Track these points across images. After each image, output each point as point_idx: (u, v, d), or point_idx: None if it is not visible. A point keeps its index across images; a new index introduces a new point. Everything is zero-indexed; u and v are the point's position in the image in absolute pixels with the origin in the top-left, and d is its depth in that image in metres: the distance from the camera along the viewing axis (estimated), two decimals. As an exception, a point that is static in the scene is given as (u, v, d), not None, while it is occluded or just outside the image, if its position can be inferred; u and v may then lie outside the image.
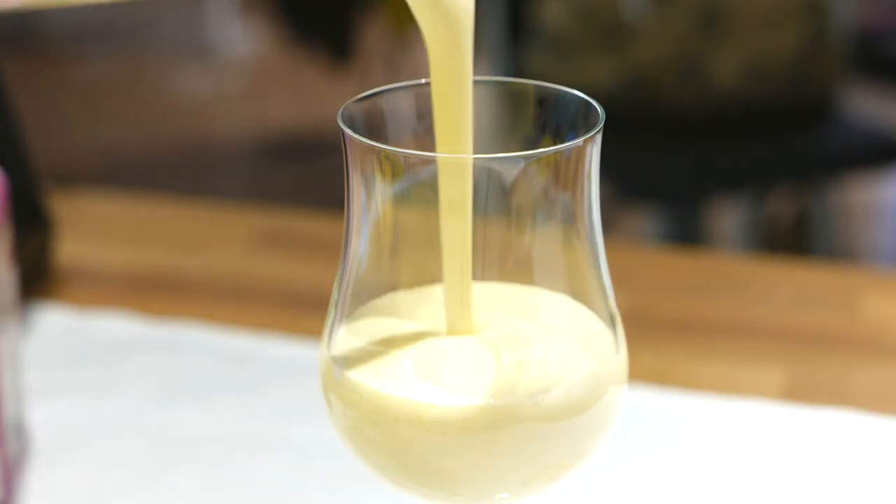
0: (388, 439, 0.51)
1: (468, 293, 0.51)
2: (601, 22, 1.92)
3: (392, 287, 0.53)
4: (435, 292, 0.52)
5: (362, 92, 0.53)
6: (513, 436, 0.50)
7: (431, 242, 0.52)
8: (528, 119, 0.54)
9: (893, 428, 0.74)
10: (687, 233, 1.94)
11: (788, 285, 0.91)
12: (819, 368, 0.81)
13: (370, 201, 0.51)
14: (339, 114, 0.51)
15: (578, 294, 0.52)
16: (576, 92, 0.53)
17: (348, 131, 0.51)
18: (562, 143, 0.50)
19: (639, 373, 0.77)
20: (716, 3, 1.90)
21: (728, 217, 2.25)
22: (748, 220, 2.14)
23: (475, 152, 0.53)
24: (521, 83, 0.54)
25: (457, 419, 0.49)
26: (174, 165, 2.90)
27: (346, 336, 0.52)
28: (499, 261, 0.51)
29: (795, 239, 2.25)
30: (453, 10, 0.49)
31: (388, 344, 0.52)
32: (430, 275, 0.53)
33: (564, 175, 0.51)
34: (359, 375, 0.51)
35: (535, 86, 0.54)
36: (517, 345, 0.51)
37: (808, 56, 1.93)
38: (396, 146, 0.51)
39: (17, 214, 0.77)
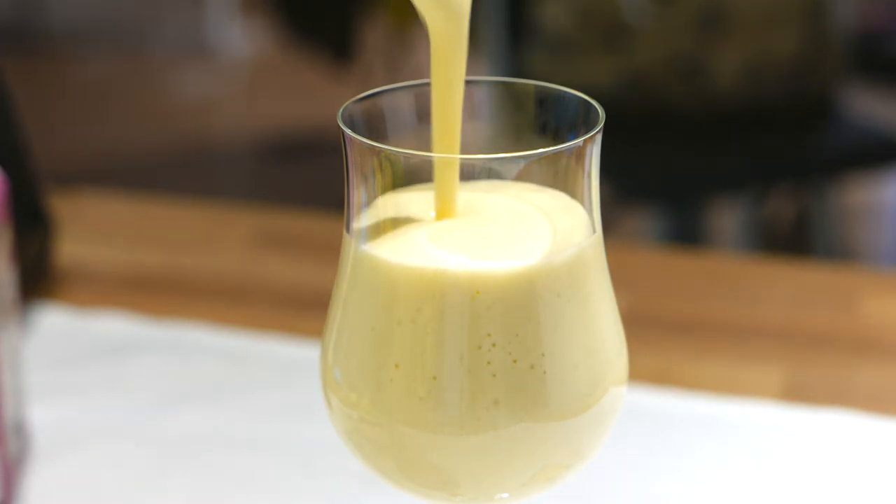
0: (388, 437, 0.51)
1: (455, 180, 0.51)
2: (601, 22, 1.92)
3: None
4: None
5: (362, 92, 0.53)
6: (513, 435, 0.50)
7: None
8: (528, 119, 0.54)
9: (893, 428, 0.74)
10: (687, 233, 1.94)
11: (788, 285, 0.91)
12: (819, 368, 0.81)
13: (370, 201, 0.52)
14: (339, 114, 0.51)
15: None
16: (576, 92, 0.53)
17: (348, 131, 0.51)
18: (562, 143, 0.50)
19: (639, 373, 0.77)
20: (716, 4, 1.90)
21: (728, 217, 2.26)
22: (748, 220, 2.14)
23: (476, 153, 0.53)
24: (521, 83, 0.54)
25: (470, 282, 0.49)
26: (174, 165, 2.90)
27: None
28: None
29: (795, 239, 2.25)
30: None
31: (395, 224, 0.52)
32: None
33: (564, 175, 0.51)
34: (374, 249, 0.51)
35: (535, 86, 0.54)
36: (508, 222, 0.51)
37: (809, 56, 1.93)
38: (396, 146, 0.51)
39: (17, 214, 0.77)
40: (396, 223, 0.51)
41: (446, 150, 0.51)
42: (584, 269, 0.51)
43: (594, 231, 0.52)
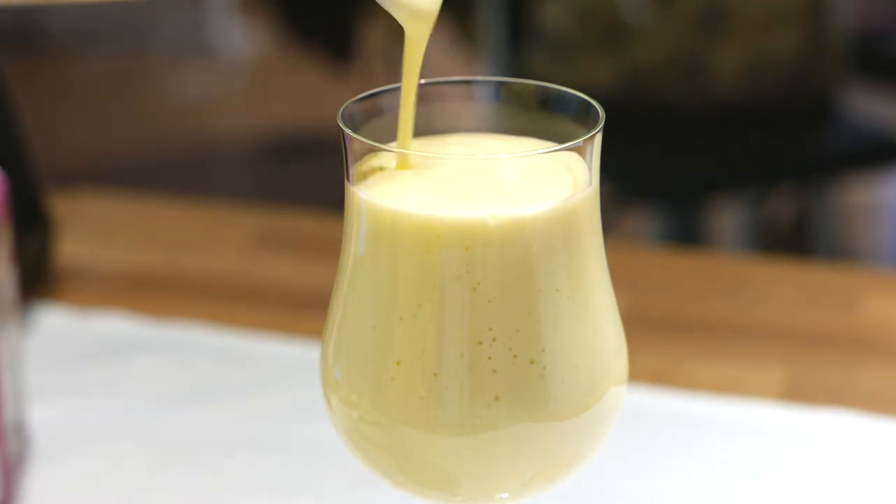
0: (388, 437, 0.51)
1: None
2: (601, 22, 1.92)
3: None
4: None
5: (362, 92, 0.53)
6: (513, 435, 0.50)
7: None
8: (529, 119, 0.54)
9: (893, 428, 0.74)
10: (687, 233, 1.94)
11: (788, 285, 0.91)
12: (819, 368, 0.81)
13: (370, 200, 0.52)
14: (339, 114, 0.51)
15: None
16: (576, 92, 0.53)
17: (348, 131, 0.51)
18: (562, 142, 0.50)
19: (639, 373, 0.77)
20: (716, 4, 1.90)
21: (728, 217, 2.25)
22: (748, 220, 2.14)
23: (475, 153, 0.53)
24: (521, 83, 0.54)
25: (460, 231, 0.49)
26: (174, 165, 2.90)
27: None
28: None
29: (795, 239, 2.25)
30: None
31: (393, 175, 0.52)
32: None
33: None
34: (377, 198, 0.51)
35: (535, 86, 0.54)
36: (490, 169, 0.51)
37: (809, 56, 1.93)
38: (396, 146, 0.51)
39: (17, 214, 0.77)
40: (395, 174, 0.51)
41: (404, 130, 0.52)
42: (578, 223, 0.51)
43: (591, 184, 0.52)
